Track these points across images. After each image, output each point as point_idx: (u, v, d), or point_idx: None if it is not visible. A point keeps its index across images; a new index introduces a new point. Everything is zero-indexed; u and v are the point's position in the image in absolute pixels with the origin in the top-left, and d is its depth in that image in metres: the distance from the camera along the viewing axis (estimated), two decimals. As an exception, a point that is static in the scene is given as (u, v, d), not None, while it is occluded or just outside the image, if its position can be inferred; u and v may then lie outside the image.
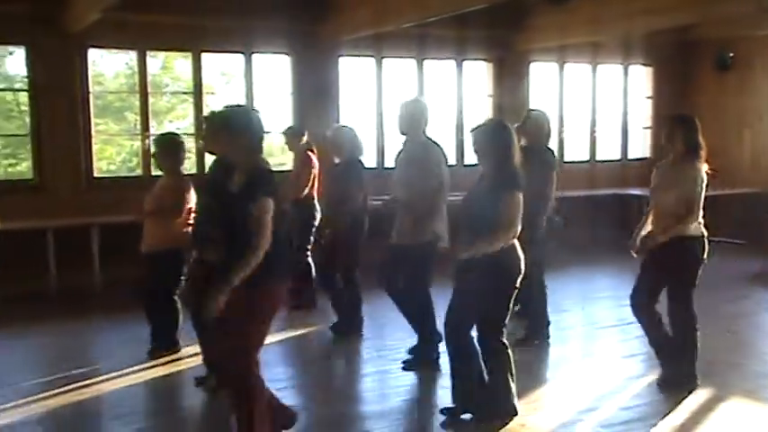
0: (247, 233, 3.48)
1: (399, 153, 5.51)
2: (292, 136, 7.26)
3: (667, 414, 4.44)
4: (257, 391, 3.63)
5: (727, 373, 5.16)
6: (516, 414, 4.30)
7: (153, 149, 5.76)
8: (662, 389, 4.81)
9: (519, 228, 4.11)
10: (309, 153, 7.02)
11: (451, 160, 9.92)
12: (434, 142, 5.36)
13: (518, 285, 4.22)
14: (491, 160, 4.17)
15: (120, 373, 5.28)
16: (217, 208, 3.89)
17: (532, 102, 10.27)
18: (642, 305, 4.84)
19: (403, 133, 5.38)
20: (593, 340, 6.09)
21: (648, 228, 4.89)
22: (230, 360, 3.61)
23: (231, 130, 3.66)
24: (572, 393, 4.83)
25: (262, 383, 3.68)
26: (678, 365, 4.83)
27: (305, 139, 7.17)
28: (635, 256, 4.88)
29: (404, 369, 5.30)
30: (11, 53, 12.52)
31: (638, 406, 4.59)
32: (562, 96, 10.72)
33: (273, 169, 3.77)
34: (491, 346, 4.26)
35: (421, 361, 5.34)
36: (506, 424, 4.23)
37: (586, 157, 10.98)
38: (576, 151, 10.92)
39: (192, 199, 5.40)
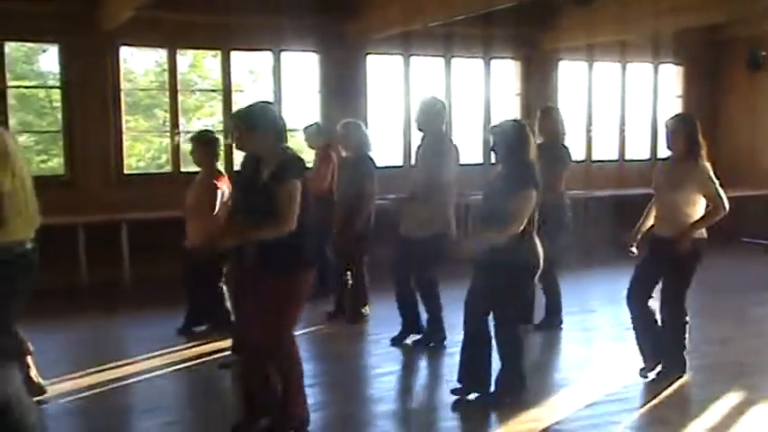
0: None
1: (418, 149, 5.73)
2: (313, 134, 7.35)
3: (695, 418, 4.38)
4: (295, 363, 3.97)
5: (757, 376, 5.09)
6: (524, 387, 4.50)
7: (190, 147, 5.91)
8: (647, 377, 4.93)
9: (523, 224, 4.26)
10: (328, 149, 7.13)
11: (479, 158, 9.94)
12: (450, 140, 5.63)
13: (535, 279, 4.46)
14: (507, 159, 4.39)
15: (148, 367, 5.34)
16: (243, 201, 4.04)
17: (561, 101, 10.21)
18: (639, 298, 4.93)
19: (420, 130, 5.63)
20: (618, 341, 6.03)
21: (648, 224, 5.01)
22: (267, 339, 3.86)
23: (256, 126, 3.83)
24: (597, 395, 4.78)
25: (298, 357, 3.99)
26: (669, 354, 4.92)
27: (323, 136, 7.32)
28: (634, 252, 4.97)
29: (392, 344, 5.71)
30: (44, 51, 12.75)
31: (665, 409, 4.54)
32: (591, 95, 10.63)
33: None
34: (506, 334, 4.43)
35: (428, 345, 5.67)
36: (517, 401, 4.44)
37: (615, 157, 10.88)
38: (604, 151, 10.82)
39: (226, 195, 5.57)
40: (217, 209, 5.56)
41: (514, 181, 4.30)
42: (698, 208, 4.76)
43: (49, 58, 12.91)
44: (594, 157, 10.72)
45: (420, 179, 5.56)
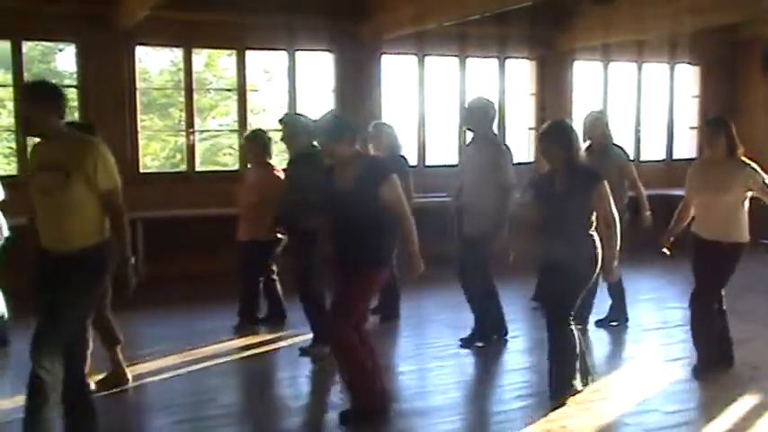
0: (379, 215, 4.03)
1: (467, 149, 5.80)
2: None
3: (713, 419, 4.35)
4: (353, 350, 4.15)
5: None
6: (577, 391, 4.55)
7: (244, 144, 6.30)
8: (701, 375, 4.95)
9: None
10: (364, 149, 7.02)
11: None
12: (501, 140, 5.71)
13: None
14: (560, 161, 4.39)
15: (163, 365, 5.38)
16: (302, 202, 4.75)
17: (576, 101, 10.18)
18: (703, 299, 4.95)
19: (470, 130, 5.70)
20: (636, 343, 6.00)
21: (681, 227, 5.08)
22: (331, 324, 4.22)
23: (333, 135, 4.12)
24: (615, 396, 4.76)
25: (358, 346, 4.18)
26: (719, 349, 5.04)
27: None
28: (667, 253, 5.05)
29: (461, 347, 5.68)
30: (61, 50, 12.83)
31: (683, 411, 4.50)
32: (606, 95, 10.57)
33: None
34: (561, 330, 4.49)
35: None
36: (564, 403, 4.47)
37: (630, 157, 10.78)
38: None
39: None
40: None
41: (580, 181, 4.37)
42: (745, 207, 4.84)
43: (65, 58, 13.01)
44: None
45: (470, 184, 5.55)
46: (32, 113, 3.61)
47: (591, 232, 4.42)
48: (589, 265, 4.41)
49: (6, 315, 5.66)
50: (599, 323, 6.24)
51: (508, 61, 9.92)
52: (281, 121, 5.73)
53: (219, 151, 15.48)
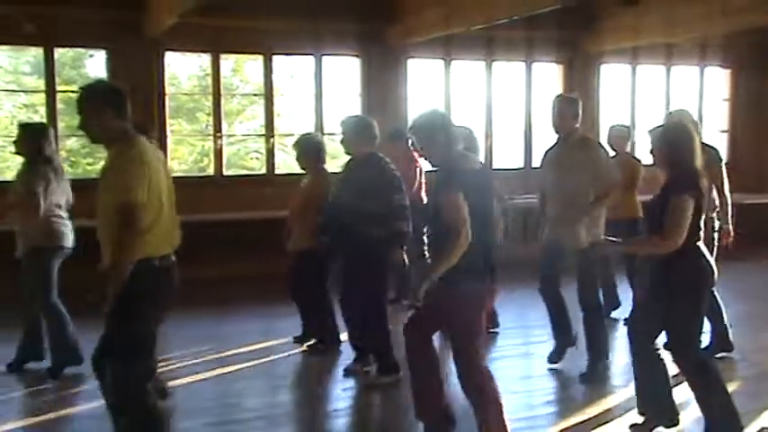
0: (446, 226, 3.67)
1: (547, 152, 5.45)
2: (393, 138, 7.16)
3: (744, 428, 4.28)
4: (487, 388, 3.80)
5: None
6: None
7: (295, 150, 5.91)
8: None
9: (684, 234, 3.78)
10: (414, 153, 6.86)
11: (519, 163, 9.88)
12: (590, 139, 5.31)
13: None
14: (665, 163, 4.05)
15: (191, 368, 5.43)
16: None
17: (603, 104, 10.11)
18: None
19: (556, 131, 5.33)
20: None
21: None
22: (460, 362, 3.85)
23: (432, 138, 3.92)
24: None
25: (490, 379, 3.82)
26: None
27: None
28: None
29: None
30: (91, 56, 13.02)
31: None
32: (634, 99, 10.49)
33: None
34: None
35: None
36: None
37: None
38: (648, 155, 10.62)
39: None
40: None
41: (670, 188, 3.90)
42: None
43: (95, 63, 13.19)
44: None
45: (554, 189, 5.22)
46: (82, 120, 3.50)
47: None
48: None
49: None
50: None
51: (535, 65, 9.89)
52: (341, 123, 5.38)
53: (246, 155, 15.61)
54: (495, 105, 9.72)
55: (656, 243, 3.88)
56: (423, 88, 9.53)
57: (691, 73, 10.81)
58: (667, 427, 4.10)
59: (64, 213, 5.26)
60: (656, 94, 10.63)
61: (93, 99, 3.48)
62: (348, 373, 5.25)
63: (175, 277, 3.55)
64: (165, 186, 3.50)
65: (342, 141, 5.21)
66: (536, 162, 9.52)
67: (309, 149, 5.77)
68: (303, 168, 5.82)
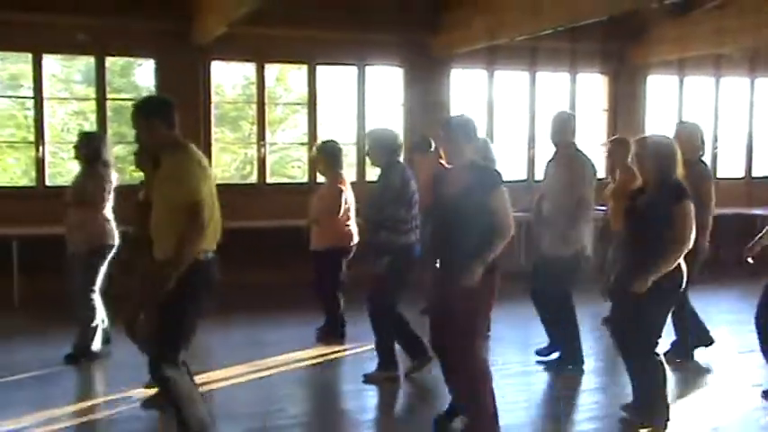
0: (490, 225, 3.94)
1: (549, 163, 5.66)
2: (419, 149, 7.39)
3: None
4: (481, 373, 4.06)
5: None
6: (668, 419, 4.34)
7: (315, 156, 6.45)
8: None
9: (692, 239, 4.11)
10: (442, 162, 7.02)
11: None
12: (583, 154, 5.47)
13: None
14: (652, 175, 4.25)
15: (231, 374, 5.50)
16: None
17: (649, 116, 10.00)
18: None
19: (555, 144, 5.56)
20: (712, 367, 5.83)
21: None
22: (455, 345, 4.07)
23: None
24: (694, 423, 4.63)
25: (486, 367, 4.12)
26: None
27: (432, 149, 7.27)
28: (750, 261, 5.14)
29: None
30: (139, 65, 13.30)
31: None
32: (681, 111, 10.35)
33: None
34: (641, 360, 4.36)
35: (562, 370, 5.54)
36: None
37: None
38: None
39: (349, 201, 6.13)
40: (341, 212, 6.12)
41: (666, 198, 4.15)
42: None
43: (143, 72, 13.47)
44: (685, 175, 10.41)
45: (547, 200, 5.49)
46: (136, 132, 3.85)
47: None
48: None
49: (106, 322, 5.82)
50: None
51: (579, 76, 9.83)
52: (367, 135, 5.69)
53: (288, 164, 15.75)
54: (538, 116, 9.69)
55: (677, 250, 4.10)
56: (466, 99, 9.53)
57: (741, 84, 10.63)
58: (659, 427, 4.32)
59: (112, 215, 5.73)
60: (705, 106, 10.47)
61: (144, 112, 3.79)
62: (367, 379, 5.32)
63: (216, 273, 3.81)
64: (213, 189, 3.80)
65: (367, 153, 5.42)
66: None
67: (328, 155, 6.25)
68: (322, 174, 6.28)
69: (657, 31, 9.27)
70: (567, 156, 5.44)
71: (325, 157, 6.27)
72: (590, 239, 5.41)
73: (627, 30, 9.28)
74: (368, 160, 5.62)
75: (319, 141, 6.81)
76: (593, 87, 10.04)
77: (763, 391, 4.96)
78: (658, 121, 10.15)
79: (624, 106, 9.90)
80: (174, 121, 3.78)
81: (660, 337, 4.35)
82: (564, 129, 5.48)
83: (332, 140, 6.56)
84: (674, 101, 10.31)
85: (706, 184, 5.49)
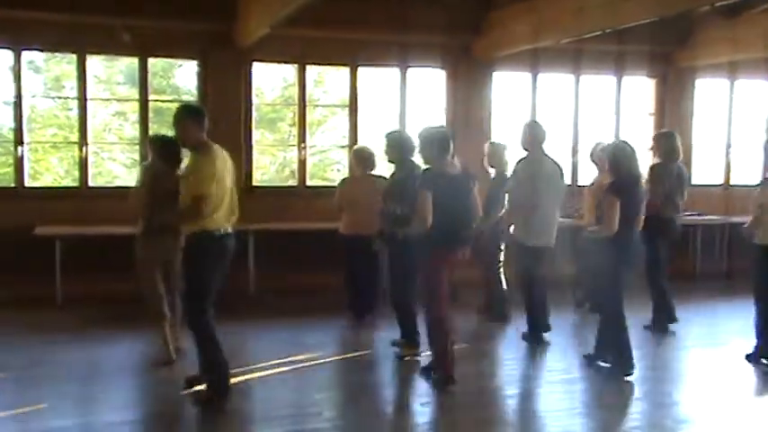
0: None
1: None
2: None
3: None
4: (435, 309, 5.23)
5: None
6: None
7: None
8: None
9: (614, 223, 5.36)
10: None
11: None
12: (549, 158, 6.47)
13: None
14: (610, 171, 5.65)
15: (269, 376, 5.58)
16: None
17: (698, 120, 9.89)
18: None
19: (525, 149, 6.51)
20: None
21: None
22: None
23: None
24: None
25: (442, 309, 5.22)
26: None
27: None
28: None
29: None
30: (180, 66, 13.56)
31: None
32: (731, 115, 10.21)
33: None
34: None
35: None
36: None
37: (758, 181, 10.33)
38: (746, 175, 10.31)
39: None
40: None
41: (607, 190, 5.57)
42: None
43: (184, 73, 13.73)
44: (734, 182, 10.26)
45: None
46: (175, 132, 4.89)
47: None
48: None
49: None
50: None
51: (625, 79, 9.75)
52: (385, 136, 6.31)
53: (327, 167, 15.87)
54: (582, 120, 9.64)
55: (599, 230, 5.57)
56: (508, 101, 9.52)
57: (793, 88, 10.44)
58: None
59: None
60: (757, 111, 10.30)
61: (180, 116, 4.85)
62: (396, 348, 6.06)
63: (230, 246, 4.88)
64: (230, 182, 4.87)
65: (385, 152, 6.24)
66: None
67: (356, 158, 7.26)
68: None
69: (707, 32, 9.16)
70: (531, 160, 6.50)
71: (355, 158, 7.18)
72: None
73: (675, 32, 9.20)
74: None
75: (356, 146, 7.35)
76: (639, 91, 9.94)
77: (747, 355, 5.84)
78: (707, 125, 10.03)
79: (671, 110, 9.80)
80: (203, 126, 4.81)
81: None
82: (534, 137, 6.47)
83: (363, 145, 7.43)
84: (724, 105, 10.16)
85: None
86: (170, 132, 5.16)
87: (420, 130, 5.42)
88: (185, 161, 5.10)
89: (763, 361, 5.83)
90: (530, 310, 6.52)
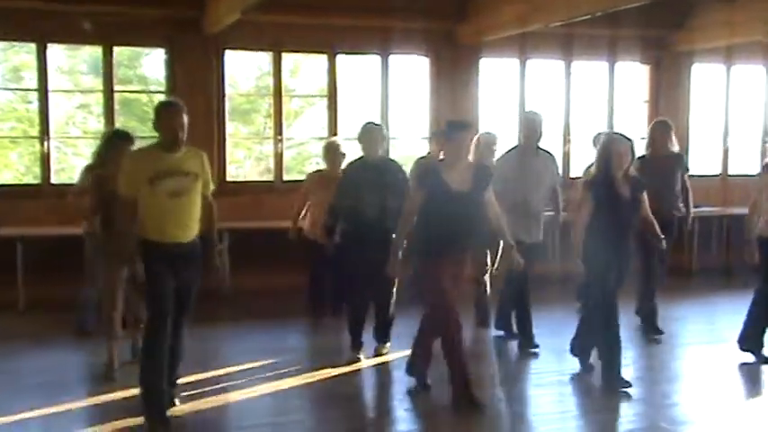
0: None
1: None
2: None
3: None
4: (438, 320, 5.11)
5: None
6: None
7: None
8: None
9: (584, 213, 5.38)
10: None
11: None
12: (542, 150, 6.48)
13: None
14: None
15: (247, 382, 5.55)
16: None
17: (694, 107, 9.96)
18: None
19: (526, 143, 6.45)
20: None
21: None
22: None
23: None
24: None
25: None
26: None
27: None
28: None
29: None
30: (147, 54, 13.43)
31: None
32: (728, 101, 10.29)
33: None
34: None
35: None
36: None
37: (755, 171, 10.43)
38: (744, 163, 10.41)
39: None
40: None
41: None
42: None
43: (151, 62, 13.61)
44: (732, 171, 10.35)
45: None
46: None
47: None
48: None
49: None
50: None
51: (618, 65, 9.80)
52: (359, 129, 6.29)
53: (305, 161, 15.81)
54: (573, 108, 9.68)
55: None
56: (496, 89, 9.54)
57: (793, 73, 10.54)
58: None
59: None
60: (754, 96, 10.39)
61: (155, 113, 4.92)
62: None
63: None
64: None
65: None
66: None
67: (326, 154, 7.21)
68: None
69: (703, 16, 9.22)
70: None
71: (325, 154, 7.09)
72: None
73: (669, 15, 9.24)
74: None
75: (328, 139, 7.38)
76: (633, 77, 9.99)
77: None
78: (703, 112, 10.11)
79: (667, 97, 9.86)
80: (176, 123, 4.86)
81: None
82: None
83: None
84: (720, 91, 10.24)
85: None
86: (136, 125, 5.12)
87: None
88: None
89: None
90: (519, 316, 6.49)
